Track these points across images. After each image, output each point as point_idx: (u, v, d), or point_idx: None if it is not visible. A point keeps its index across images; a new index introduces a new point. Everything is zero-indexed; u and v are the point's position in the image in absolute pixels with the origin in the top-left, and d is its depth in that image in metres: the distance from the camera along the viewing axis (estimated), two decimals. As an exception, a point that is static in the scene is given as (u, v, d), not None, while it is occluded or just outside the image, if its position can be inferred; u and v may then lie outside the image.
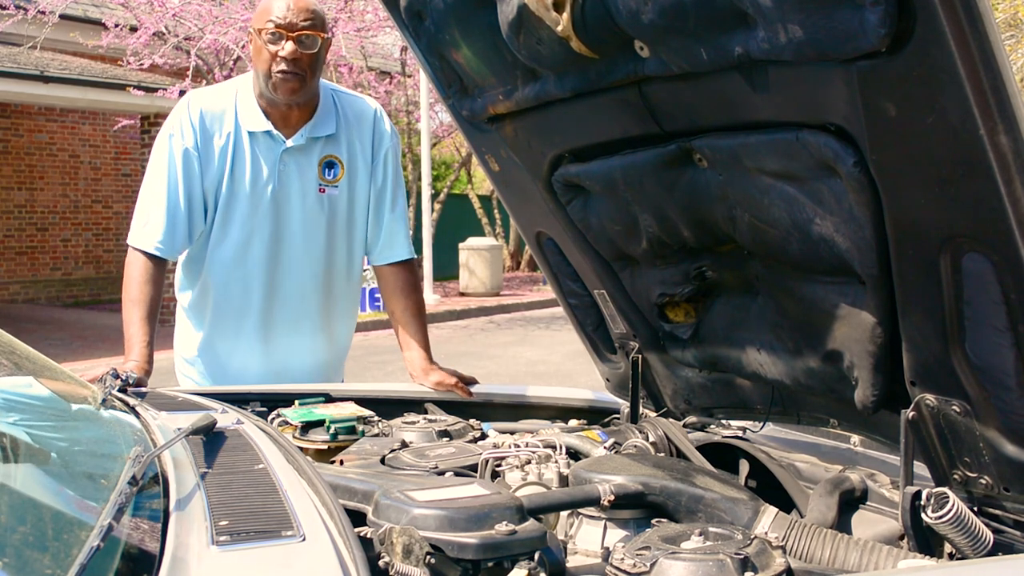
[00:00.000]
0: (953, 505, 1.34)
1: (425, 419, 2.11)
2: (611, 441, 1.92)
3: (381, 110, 2.66)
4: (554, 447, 1.77)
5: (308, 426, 2.01)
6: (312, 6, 2.40)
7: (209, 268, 2.54)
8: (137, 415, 1.69)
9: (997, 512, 1.40)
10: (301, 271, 2.57)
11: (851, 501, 1.66)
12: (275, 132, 2.47)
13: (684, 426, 2.05)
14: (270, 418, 2.06)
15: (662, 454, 1.89)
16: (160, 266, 2.45)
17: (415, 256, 2.72)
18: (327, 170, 2.54)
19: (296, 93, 2.41)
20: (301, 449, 1.71)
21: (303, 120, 2.50)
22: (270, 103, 2.47)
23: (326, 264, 2.60)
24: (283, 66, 2.36)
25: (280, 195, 2.50)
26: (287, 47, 2.35)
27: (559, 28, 1.45)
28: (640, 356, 2.08)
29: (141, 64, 12.11)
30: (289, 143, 2.48)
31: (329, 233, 2.57)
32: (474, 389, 2.44)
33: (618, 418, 2.21)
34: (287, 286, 2.56)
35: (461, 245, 16.24)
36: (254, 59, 2.44)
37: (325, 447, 1.96)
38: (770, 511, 1.51)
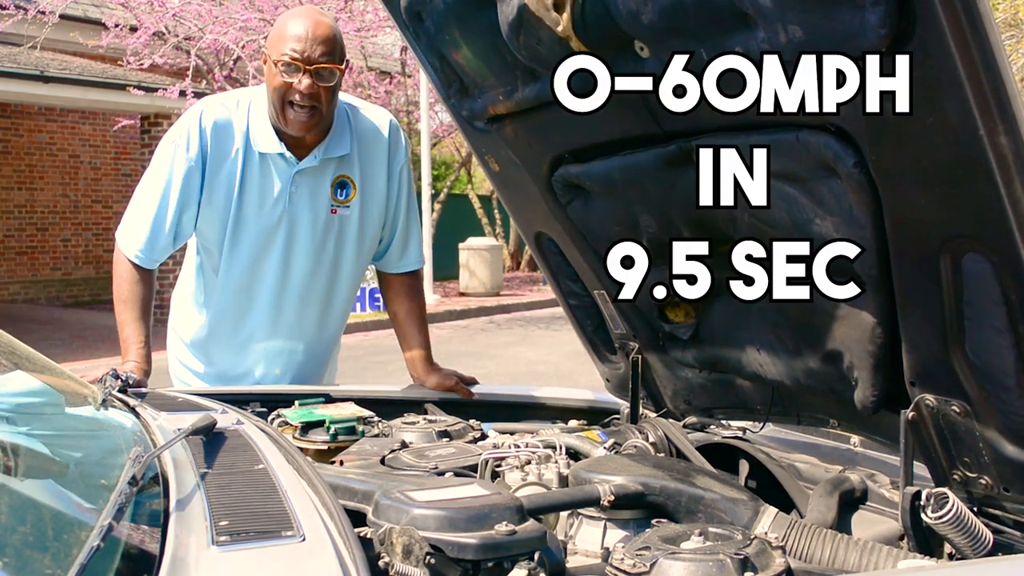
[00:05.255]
0: (953, 505, 1.34)
1: (425, 419, 2.11)
2: (611, 441, 1.92)
3: (396, 123, 2.56)
4: (554, 447, 1.77)
5: (308, 426, 2.01)
6: (331, 34, 2.28)
7: (220, 289, 2.47)
8: (137, 415, 1.69)
9: (997, 512, 1.40)
10: (307, 289, 2.50)
11: (851, 501, 1.66)
12: (288, 154, 2.37)
13: (684, 426, 2.05)
14: (270, 418, 2.06)
15: (662, 454, 1.89)
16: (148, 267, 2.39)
17: (424, 264, 2.67)
18: (339, 191, 2.44)
19: (310, 129, 2.32)
20: (301, 449, 1.71)
21: (316, 140, 2.39)
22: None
23: (331, 280, 2.52)
24: (298, 100, 2.26)
25: (291, 217, 2.41)
26: (303, 82, 2.24)
27: (559, 28, 1.45)
28: (640, 356, 2.07)
29: (141, 64, 12.10)
30: (301, 164, 2.38)
31: (338, 252, 2.49)
32: (474, 389, 2.44)
33: (618, 418, 2.21)
34: (292, 302, 2.50)
35: (461, 245, 16.23)
36: (267, 83, 2.33)
37: (325, 447, 1.96)
38: (770, 511, 1.51)
